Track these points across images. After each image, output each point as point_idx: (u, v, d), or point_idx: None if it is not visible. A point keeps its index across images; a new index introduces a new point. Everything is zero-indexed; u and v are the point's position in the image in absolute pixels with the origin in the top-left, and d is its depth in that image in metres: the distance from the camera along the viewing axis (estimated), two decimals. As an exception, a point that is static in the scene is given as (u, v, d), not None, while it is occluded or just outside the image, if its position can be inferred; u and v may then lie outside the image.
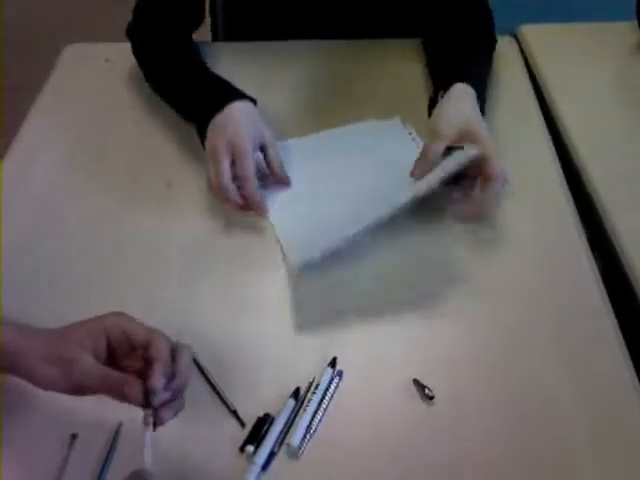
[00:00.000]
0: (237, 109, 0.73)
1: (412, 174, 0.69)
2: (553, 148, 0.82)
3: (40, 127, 0.86)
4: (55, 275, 0.68)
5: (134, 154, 0.82)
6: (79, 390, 0.49)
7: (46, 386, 0.50)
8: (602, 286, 0.67)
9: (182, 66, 0.82)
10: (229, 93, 0.75)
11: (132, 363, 0.51)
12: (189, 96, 0.80)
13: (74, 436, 0.55)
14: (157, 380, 0.48)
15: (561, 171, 0.79)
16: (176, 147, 0.82)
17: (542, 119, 0.87)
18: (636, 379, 0.60)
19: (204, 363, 0.60)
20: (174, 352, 0.51)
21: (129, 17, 0.88)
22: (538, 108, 0.88)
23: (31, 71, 1.08)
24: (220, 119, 0.73)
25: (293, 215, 0.73)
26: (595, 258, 0.70)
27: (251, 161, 0.70)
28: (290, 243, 0.70)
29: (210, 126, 0.73)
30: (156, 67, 0.85)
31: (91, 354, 0.49)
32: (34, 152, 0.82)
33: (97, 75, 0.93)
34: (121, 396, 0.48)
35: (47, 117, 0.87)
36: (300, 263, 0.65)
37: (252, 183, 0.70)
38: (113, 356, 0.51)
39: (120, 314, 0.53)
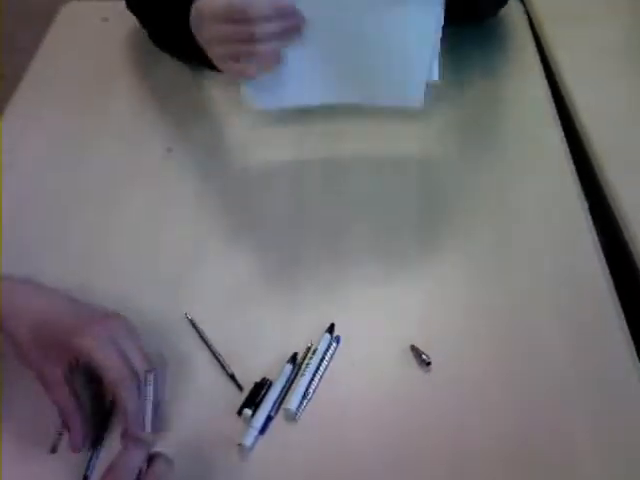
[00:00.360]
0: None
1: None
2: (557, 115, 0.81)
3: (36, 87, 0.85)
4: (55, 238, 0.68)
5: (133, 116, 0.81)
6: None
7: (17, 357, 0.52)
8: (603, 258, 0.66)
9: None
10: None
11: None
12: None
13: None
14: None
15: (563, 135, 0.78)
16: (175, 109, 0.81)
17: (546, 83, 0.85)
18: (632, 343, 0.60)
19: (202, 327, 0.60)
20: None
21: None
22: (543, 73, 0.86)
23: (28, 31, 1.06)
24: (195, 7, 0.67)
25: None
26: (597, 231, 0.69)
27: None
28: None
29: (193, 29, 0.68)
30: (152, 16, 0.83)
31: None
32: (31, 114, 0.81)
33: (94, 34, 0.91)
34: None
35: (43, 77, 0.86)
36: (257, 103, 0.67)
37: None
38: None
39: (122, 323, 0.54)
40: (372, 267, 0.66)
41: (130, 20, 0.86)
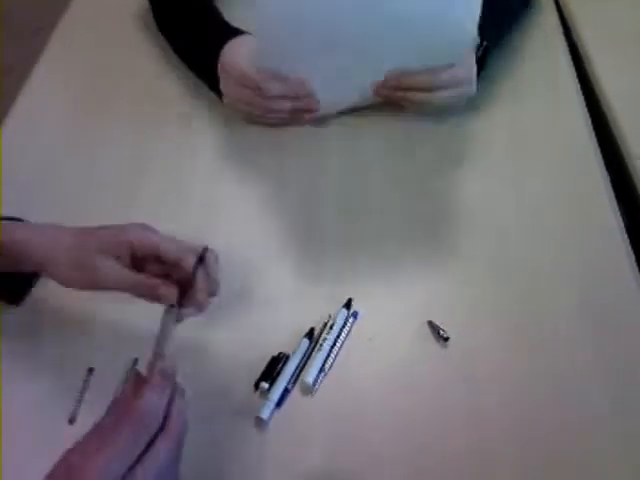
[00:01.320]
0: (231, 46, 0.72)
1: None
2: (581, 92, 0.80)
3: (53, 68, 0.85)
4: (72, 214, 0.68)
5: (149, 93, 0.81)
6: (106, 290, 0.51)
7: (72, 286, 0.52)
8: (627, 239, 0.65)
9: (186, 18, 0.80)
10: (221, 37, 0.73)
11: (156, 267, 0.52)
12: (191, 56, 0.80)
13: (90, 370, 0.56)
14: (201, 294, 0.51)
15: (588, 115, 0.77)
16: (192, 85, 0.81)
17: (571, 61, 0.84)
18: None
19: (218, 302, 0.60)
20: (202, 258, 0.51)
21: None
22: (567, 51, 0.85)
23: (46, 13, 1.06)
24: (220, 64, 0.72)
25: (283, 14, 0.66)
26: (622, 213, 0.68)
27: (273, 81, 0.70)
28: (265, 39, 0.66)
29: (219, 72, 0.73)
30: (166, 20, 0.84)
31: (113, 260, 0.50)
32: (47, 94, 0.81)
33: (110, 16, 0.91)
34: (154, 297, 0.51)
35: (59, 58, 0.86)
36: (266, 67, 0.66)
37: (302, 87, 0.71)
38: (135, 263, 0.52)
39: (144, 227, 0.53)
40: (390, 243, 0.65)
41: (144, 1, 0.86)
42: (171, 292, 0.50)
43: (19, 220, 0.59)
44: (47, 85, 0.83)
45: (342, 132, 0.76)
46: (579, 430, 0.53)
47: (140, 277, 0.51)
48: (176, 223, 0.66)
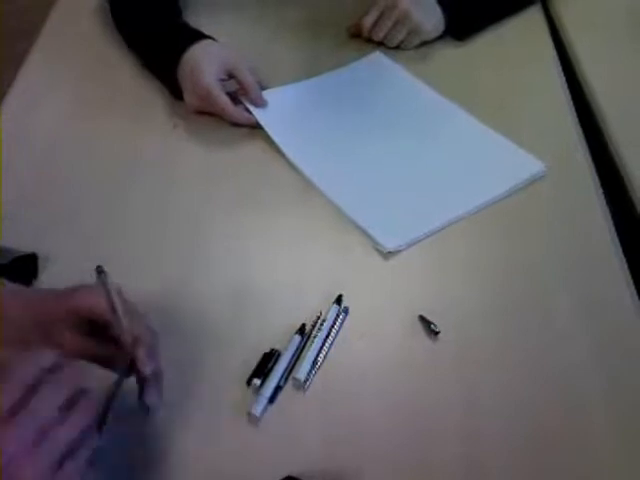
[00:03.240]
0: (192, 55, 0.72)
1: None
2: (568, 90, 0.81)
3: (39, 73, 0.84)
4: (66, 220, 0.67)
5: (137, 95, 0.80)
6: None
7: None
8: (613, 228, 0.67)
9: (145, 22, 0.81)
10: (179, 42, 0.74)
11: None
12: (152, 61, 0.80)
13: None
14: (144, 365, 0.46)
15: (574, 110, 0.78)
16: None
17: (557, 58, 0.86)
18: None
19: (209, 298, 0.60)
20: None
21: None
22: (552, 47, 0.87)
23: (30, 15, 1.05)
24: (181, 71, 0.73)
25: (350, 188, 0.69)
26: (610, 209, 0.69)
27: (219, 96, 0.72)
28: (373, 227, 0.66)
29: (179, 79, 0.74)
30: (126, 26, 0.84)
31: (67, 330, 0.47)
32: (33, 100, 0.80)
33: (95, 17, 0.91)
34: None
35: (45, 62, 0.85)
36: (397, 246, 0.64)
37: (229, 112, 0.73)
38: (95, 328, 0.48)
39: (91, 292, 0.48)
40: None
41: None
42: (121, 365, 0.47)
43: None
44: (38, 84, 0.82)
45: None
46: (572, 420, 0.54)
47: (92, 347, 0.48)
48: (168, 218, 0.67)
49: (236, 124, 0.75)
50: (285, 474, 0.49)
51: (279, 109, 0.76)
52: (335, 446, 0.52)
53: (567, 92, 0.81)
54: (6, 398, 0.36)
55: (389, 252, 0.63)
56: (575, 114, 0.78)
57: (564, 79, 0.83)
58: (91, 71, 0.84)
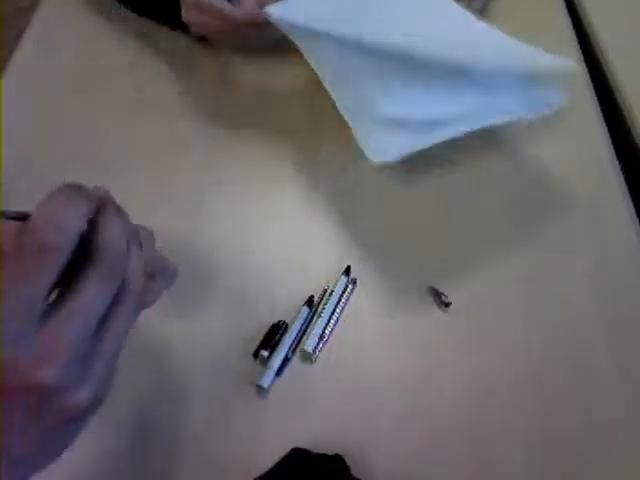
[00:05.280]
0: None
1: None
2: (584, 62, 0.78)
3: (31, 59, 0.82)
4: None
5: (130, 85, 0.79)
6: None
7: None
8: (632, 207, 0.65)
9: None
10: None
11: None
12: None
13: None
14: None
15: (591, 85, 0.76)
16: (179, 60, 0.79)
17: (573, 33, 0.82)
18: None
19: (215, 270, 0.59)
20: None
21: None
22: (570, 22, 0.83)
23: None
24: None
25: (352, 85, 0.60)
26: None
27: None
28: (363, 133, 0.58)
29: None
30: None
31: None
32: (28, 72, 0.78)
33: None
34: None
35: (38, 45, 0.82)
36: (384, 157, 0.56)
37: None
38: None
39: None
40: (387, 206, 0.64)
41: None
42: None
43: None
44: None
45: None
46: (581, 393, 0.53)
47: None
48: (174, 182, 0.66)
49: (243, 30, 0.65)
50: (292, 446, 0.49)
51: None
52: (343, 418, 0.52)
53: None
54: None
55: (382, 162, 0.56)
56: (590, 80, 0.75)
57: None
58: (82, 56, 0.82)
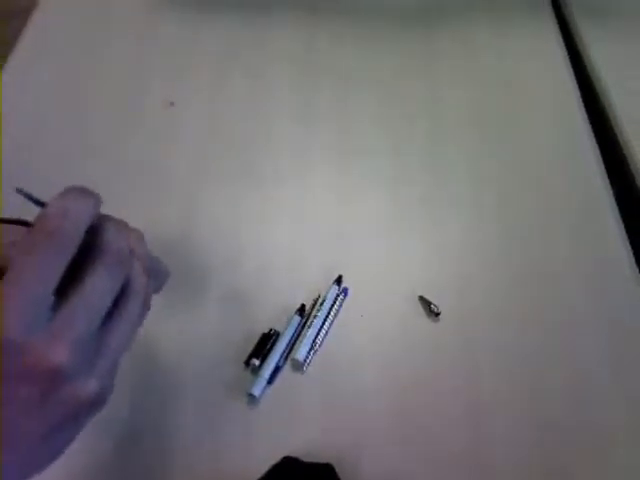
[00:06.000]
0: None
1: None
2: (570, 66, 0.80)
3: (35, 43, 0.83)
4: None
5: (133, 70, 0.79)
6: None
7: None
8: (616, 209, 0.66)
9: None
10: None
11: None
12: None
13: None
14: None
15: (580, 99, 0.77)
16: (176, 63, 0.79)
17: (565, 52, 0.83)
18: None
19: (207, 276, 0.60)
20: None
21: None
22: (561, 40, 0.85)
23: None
24: None
25: None
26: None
27: None
28: None
29: None
30: None
31: None
32: (26, 71, 0.79)
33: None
34: None
35: (42, 32, 0.84)
36: None
37: None
38: None
39: None
40: (379, 217, 0.65)
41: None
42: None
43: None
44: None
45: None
46: (576, 394, 0.54)
47: None
48: (166, 183, 0.66)
49: None
50: (283, 454, 0.49)
51: None
52: (334, 427, 0.52)
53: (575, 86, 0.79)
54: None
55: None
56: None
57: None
58: (86, 42, 0.82)
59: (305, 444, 0.51)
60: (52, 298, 0.30)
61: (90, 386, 0.31)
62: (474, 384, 0.54)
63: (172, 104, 0.74)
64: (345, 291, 0.59)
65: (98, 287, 0.31)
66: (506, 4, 0.88)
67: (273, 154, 0.70)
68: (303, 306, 0.58)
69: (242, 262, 0.61)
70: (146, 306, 0.36)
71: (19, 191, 0.32)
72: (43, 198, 0.32)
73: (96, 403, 0.32)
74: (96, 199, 0.33)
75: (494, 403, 0.53)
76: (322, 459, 0.49)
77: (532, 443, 0.51)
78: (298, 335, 0.57)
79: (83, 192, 0.32)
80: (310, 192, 0.67)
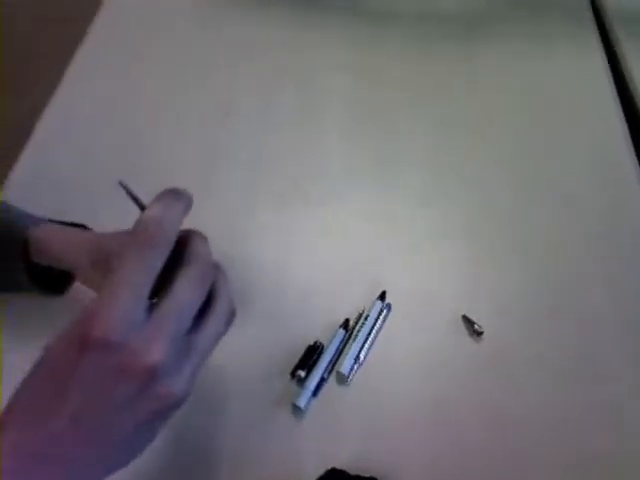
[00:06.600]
0: None
1: None
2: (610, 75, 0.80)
3: (94, 53, 0.85)
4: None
5: (190, 81, 0.81)
6: None
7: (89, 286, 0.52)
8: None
9: None
10: None
11: None
12: None
13: None
14: None
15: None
16: (233, 73, 0.81)
17: (607, 62, 0.84)
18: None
19: (254, 292, 0.61)
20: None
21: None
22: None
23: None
24: None
25: None
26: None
27: None
28: None
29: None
30: None
31: None
32: (86, 80, 0.82)
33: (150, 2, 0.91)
34: None
35: (100, 44, 0.86)
36: None
37: None
38: None
39: None
40: (422, 235, 0.66)
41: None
42: None
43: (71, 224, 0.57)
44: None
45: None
46: (615, 419, 0.54)
47: None
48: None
49: None
50: (328, 466, 0.50)
51: None
52: (377, 440, 0.53)
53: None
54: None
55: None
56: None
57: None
58: (143, 53, 0.84)
59: (350, 456, 0.52)
60: (147, 301, 0.32)
61: (179, 385, 0.32)
62: (515, 404, 0.55)
63: (227, 114, 0.76)
64: (389, 307, 0.60)
65: (188, 292, 0.33)
66: (548, 13, 0.89)
67: (320, 171, 0.71)
68: (347, 320, 0.59)
69: (288, 277, 0.63)
70: (232, 313, 0.37)
71: (122, 185, 0.35)
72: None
73: (180, 402, 0.33)
74: (187, 203, 0.35)
75: (534, 421, 0.54)
76: (367, 472, 0.50)
77: (569, 466, 0.52)
78: (342, 349, 0.58)
79: (176, 196, 0.34)
80: (355, 209, 0.68)
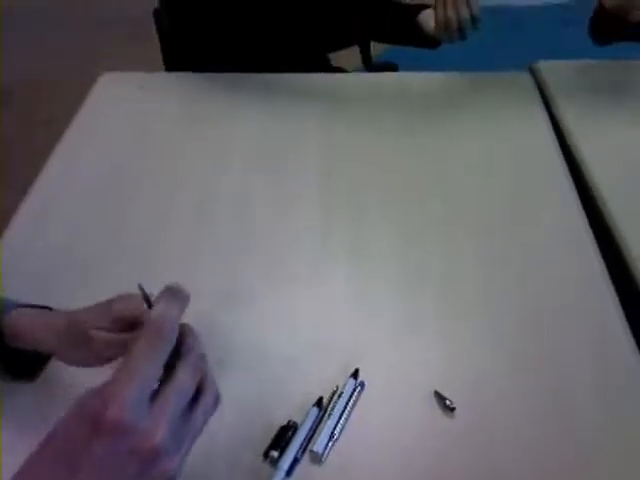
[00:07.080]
0: None
1: None
2: (573, 185, 0.85)
3: (74, 152, 0.90)
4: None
5: (169, 181, 0.85)
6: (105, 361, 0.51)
7: (74, 365, 0.53)
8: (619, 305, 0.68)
9: None
10: None
11: None
12: None
13: None
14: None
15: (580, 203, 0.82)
16: (208, 172, 0.86)
17: (562, 156, 0.89)
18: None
19: (229, 370, 0.62)
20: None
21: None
22: (557, 145, 0.91)
23: (64, 102, 1.12)
24: None
25: None
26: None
27: None
28: None
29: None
30: None
31: (104, 332, 0.50)
32: (63, 183, 0.85)
33: (132, 102, 0.97)
34: None
35: (82, 142, 0.91)
36: None
37: None
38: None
39: (128, 298, 0.50)
40: (394, 314, 0.68)
41: (164, 88, 0.92)
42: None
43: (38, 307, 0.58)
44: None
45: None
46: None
47: (128, 336, 0.49)
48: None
49: None
50: None
51: None
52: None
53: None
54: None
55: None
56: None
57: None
58: (126, 152, 0.89)
59: (323, 538, 0.51)
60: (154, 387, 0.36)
61: (175, 462, 0.36)
62: (489, 478, 0.54)
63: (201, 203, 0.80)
64: (362, 384, 0.61)
65: (186, 381, 0.38)
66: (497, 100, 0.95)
67: (295, 255, 0.74)
68: (321, 398, 0.60)
69: (261, 357, 0.64)
70: (217, 397, 0.41)
71: (140, 288, 0.42)
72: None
73: (174, 478, 0.37)
74: (184, 301, 0.40)
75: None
76: None
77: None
78: (316, 427, 0.58)
79: (175, 294, 0.39)
80: (329, 290, 0.70)
